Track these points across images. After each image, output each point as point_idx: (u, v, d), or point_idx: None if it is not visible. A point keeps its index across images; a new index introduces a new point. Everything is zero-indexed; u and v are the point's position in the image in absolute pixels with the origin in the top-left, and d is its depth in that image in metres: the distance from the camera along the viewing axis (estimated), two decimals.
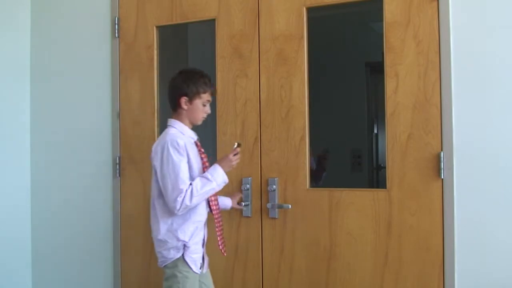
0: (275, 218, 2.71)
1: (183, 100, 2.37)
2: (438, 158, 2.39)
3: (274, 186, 2.70)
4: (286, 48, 2.71)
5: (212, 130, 2.89)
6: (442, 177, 2.38)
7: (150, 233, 2.44)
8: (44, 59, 3.41)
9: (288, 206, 2.67)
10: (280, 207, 2.69)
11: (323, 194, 2.63)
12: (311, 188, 2.66)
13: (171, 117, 2.44)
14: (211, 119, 2.71)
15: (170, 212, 2.32)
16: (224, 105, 2.86)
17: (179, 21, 3.00)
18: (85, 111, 3.29)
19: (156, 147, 2.35)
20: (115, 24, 3.16)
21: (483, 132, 2.33)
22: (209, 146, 2.75)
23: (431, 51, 2.41)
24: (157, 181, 2.34)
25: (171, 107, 2.45)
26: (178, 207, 2.25)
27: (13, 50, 3.36)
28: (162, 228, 2.34)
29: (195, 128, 2.49)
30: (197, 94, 2.39)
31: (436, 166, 2.39)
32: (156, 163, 2.32)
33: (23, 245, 3.37)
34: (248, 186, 2.77)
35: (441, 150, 2.38)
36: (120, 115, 3.14)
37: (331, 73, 3.59)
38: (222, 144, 2.85)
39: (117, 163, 3.13)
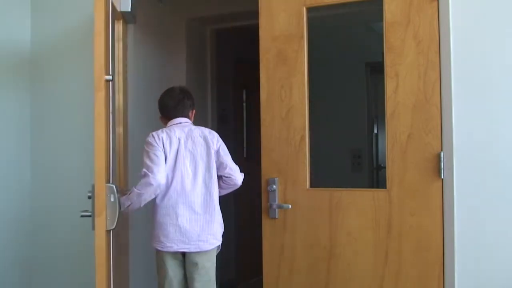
0: (275, 218, 2.71)
1: (194, 112, 2.78)
2: (438, 158, 2.38)
3: (274, 186, 2.69)
4: (286, 48, 2.71)
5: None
6: (442, 177, 2.38)
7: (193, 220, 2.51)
8: (44, 58, 3.41)
9: (288, 206, 2.67)
10: (280, 207, 2.69)
11: (323, 194, 2.63)
12: (311, 188, 2.66)
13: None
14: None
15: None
16: None
17: None
18: (86, 111, 3.28)
19: (208, 134, 2.65)
20: None
21: (483, 132, 2.33)
22: None
23: (431, 51, 2.41)
24: (215, 163, 2.62)
25: (185, 112, 2.73)
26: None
27: (13, 50, 3.36)
28: (219, 213, 2.63)
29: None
30: None
31: (436, 166, 2.39)
32: (221, 146, 2.65)
33: (23, 245, 3.36)
34: None
35: (441, 150, 2.38)
36: None
37: (331, 73, 3.59)
38: None
39: None
